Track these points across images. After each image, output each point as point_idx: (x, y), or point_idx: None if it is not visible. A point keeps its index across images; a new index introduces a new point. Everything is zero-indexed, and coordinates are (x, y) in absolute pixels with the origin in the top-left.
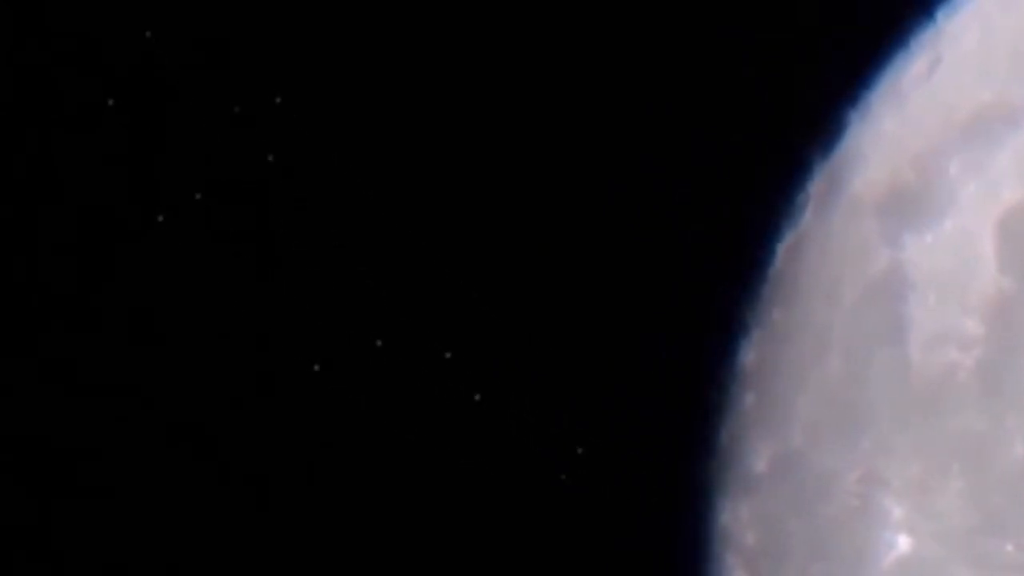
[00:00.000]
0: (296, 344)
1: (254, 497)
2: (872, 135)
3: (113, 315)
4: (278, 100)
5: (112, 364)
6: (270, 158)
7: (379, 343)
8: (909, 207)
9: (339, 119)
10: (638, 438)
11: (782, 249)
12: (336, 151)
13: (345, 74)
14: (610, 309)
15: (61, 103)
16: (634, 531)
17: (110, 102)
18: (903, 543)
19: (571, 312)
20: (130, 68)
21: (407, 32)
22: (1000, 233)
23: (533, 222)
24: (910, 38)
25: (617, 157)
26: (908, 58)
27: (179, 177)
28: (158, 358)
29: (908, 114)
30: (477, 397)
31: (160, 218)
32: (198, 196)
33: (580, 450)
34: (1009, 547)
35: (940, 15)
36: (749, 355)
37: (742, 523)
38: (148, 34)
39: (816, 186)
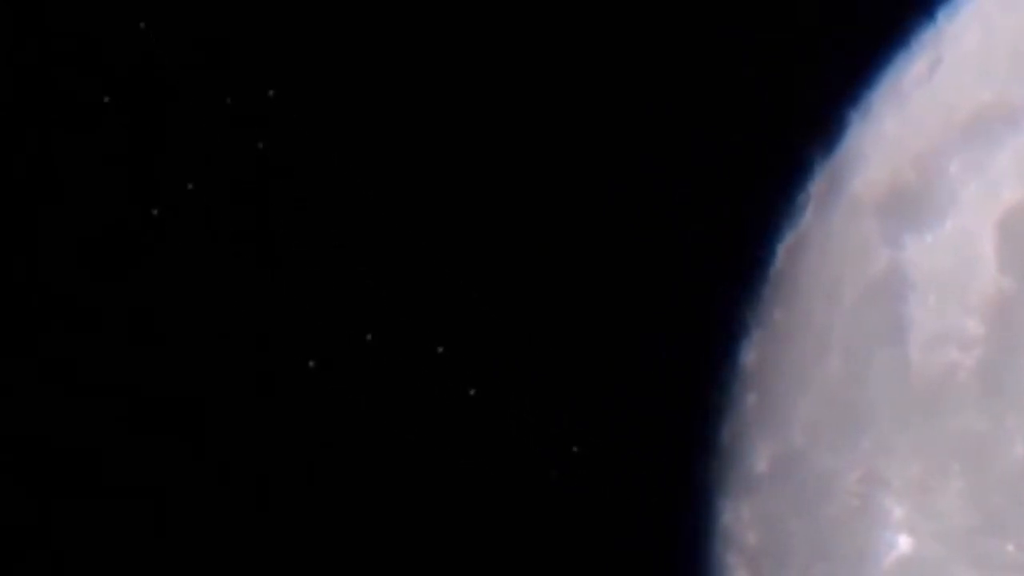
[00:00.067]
0: (289, 340)
1: (249, 493)
2: (872, 135)
3: (108, 312)
4: (271, 94)
5: (107, 360)
6: (263, 153)
7: (373, 338)
8: (909, 207)
9: (332, 113)
10: (638, 438)
11: (782, 249)
12: (329, 146)
13: (339, 68)
14: (610, 308)
15: (54, 97)
16: (634, 531)
17: (105, 99)
18: (904, 543)
19: (570, 311)
20: (123, 61)
21: (404, 30)
22: (1000, 233)
23: (532, 220)
24: (910, 38)
25: (617, 157)
26: (909, 58)
27: (171, 171)
28: (151, 354)
29: (908, 114)
30: (472, 392)
31: (155, 211)
32: (190, 186)
33: (576, 449)
34: (1010, 547)
35: (940, 15)
36: (750, 355)
37: (743, 523)
38: (142, 25)
39: (816, 186)
